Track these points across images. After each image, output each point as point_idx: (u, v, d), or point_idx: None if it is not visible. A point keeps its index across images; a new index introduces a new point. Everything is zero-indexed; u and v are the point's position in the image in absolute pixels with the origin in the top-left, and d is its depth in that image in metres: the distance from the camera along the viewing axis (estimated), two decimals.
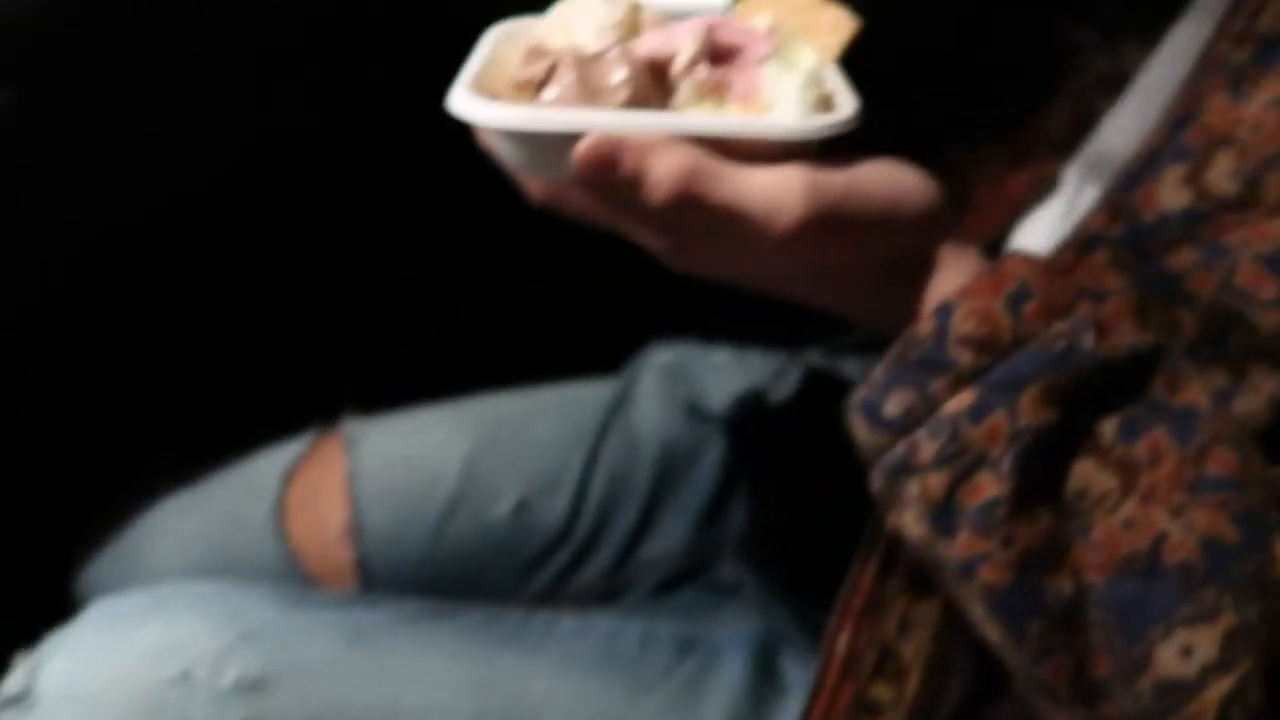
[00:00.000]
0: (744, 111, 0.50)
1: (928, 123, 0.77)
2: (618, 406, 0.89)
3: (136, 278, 0.87)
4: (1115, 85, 0.64)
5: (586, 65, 0.49)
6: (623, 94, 0.48)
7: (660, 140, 0.44)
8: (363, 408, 0.85)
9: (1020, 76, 0.72)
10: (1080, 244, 0.57)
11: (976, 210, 0.72)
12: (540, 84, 0.49)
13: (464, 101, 0.47)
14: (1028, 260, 0.47)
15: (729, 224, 0.45)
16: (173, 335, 0.92)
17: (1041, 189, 0.67)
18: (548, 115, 0.46)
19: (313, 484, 0.81)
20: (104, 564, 0.84)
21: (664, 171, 0.44)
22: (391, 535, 0.81)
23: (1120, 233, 0.57)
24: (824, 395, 0.57)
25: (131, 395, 0.90)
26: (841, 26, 0.57)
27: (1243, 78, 0.52)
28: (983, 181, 0.73)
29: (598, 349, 0.89)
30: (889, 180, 0.47)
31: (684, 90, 0.50)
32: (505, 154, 0.50)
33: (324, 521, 0.80)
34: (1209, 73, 0.54)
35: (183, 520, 0.83)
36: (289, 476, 0.81)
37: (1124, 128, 0.63)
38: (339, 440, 0.83)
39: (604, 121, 0.45)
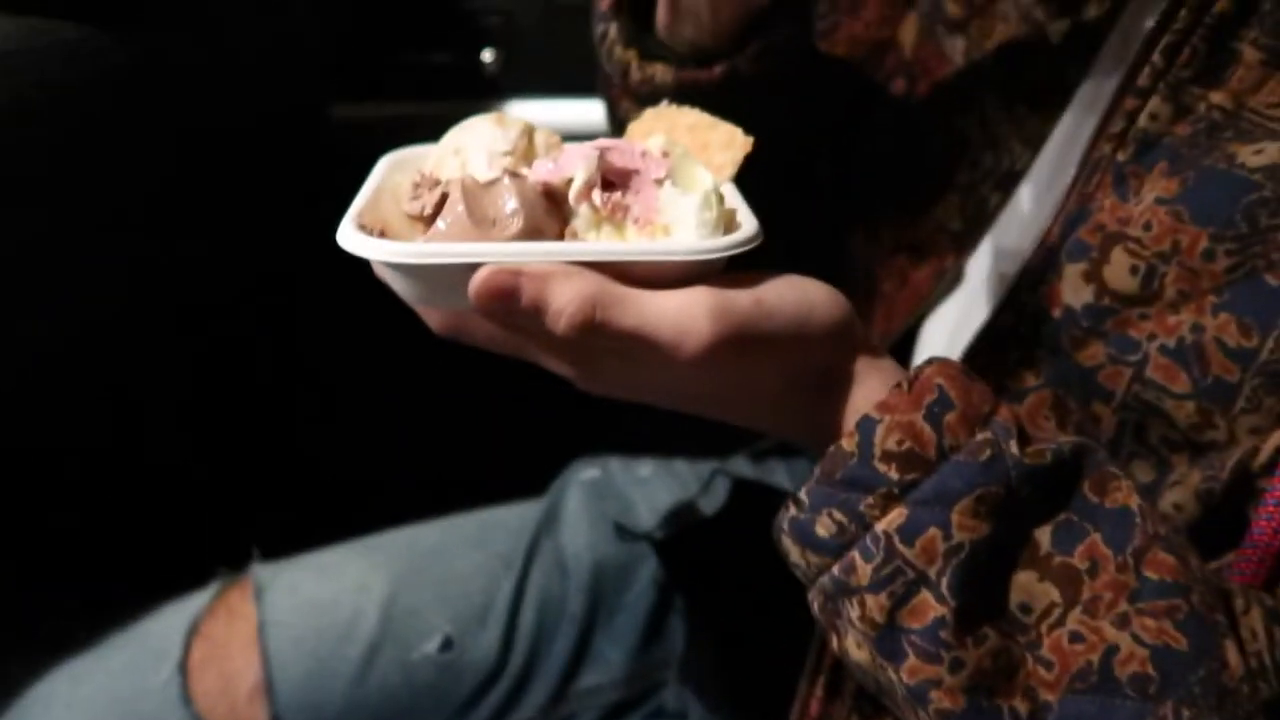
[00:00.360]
0: (643, 235, 0.48)
1: (829, 220, 0.78)
2: (544, 529, 0.86)
3: (22, 427, 0.82)
4: (1005, 180, 0.65)
5: (477, 194, 0.47)
6: (516, 223, 0.46)
7: (559, 268, 0.43)
8: (271, 550, 0.79)
9: (913, 172, 0.73)
10: (990, 342, 0.57)
11: (884, 306, 0.72)
12: (431, 216, 0.48)
13: (352, 237, 0.45)
14: (944, 368, 0.46)
15: (636, 349, 0.44)
16: (63, 480, 0.86)
17: (944, 282, 0.68)
18: (438, 249, 0.45)
19: (219, 639, 0.76)
20: None
21: (565, 300, 0.43)
22: (308, 688, 0.75)
23: (1028, 330, 0.57)
24: (755, 504, 0.55)
25: (18, 550, 0.84)
26: (735, 143, 0.56)
27: (1127, 176, 0.53)
28: (887, 277, 0.74)
29: (517, 470, 0.86)
30: (796, 295, 0.47)
31: (580, 216, 0.48)
32: (400, 289, 0.48)
33: (233, 680, 0.74)
34: (1095, 171, 0.55)
35: (77, 688, 0.76)
36: (193, 632, 0.75)
37: (1019, 223, 0.64)
38: (246, 588, 0.78)
39: (497, 253, 0.44)
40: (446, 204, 0.47)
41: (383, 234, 0.51)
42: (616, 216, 0.48)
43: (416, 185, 0.48)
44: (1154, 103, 0.52)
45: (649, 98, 0.65)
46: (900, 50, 0.75)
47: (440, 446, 0.96)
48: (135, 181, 0.71)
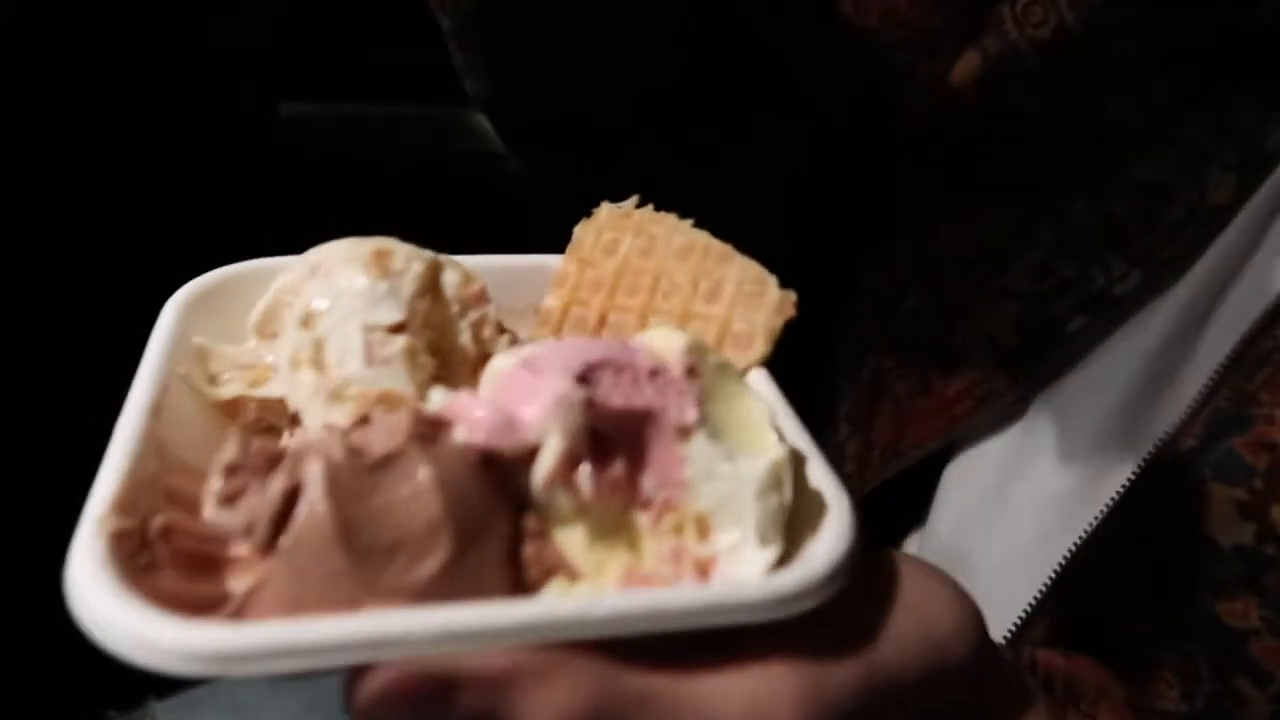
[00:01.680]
0: (663, 533, 0.27)
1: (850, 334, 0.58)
2: None
3: None
4: (1096, 304, 0.47)
5: (354, 488, 0.25)
6: (437, 553, 0.24)
7: (528, 657, 0.23)
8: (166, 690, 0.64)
9: (950, 261, 0.53)
10: (1097, 554, 0.41)
11: (893, 409, 0.53)
12: (269, 533, 0.25)
13: (99, 596, 0.23)
14: None
15: None
16: None
17: (989, 404, 0.49)
18: (281, 636, 0.22)
19: None
20: None
21: (553, 713, 0.23)
22: None
23: (1149, 552, 0.41)
24: None
25: None
26: (769, 303, 0.36)
27: None
28: (899, 374, 0.55)
29: None
30: (919, 634, 0.29)
31: (555, 510, 0.27)
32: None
33: None
34: (1262, 364, 0.38)
35: None
36: None
37: (1125, 372, 0.46)
38: None
39: (410, 638, 0.22)
40: (297, 510, 0.24)
41: (171, 497, 0.28)
42: (617, 504, 0.27)
43: (230, 469, 0.25)
44: None
45: None
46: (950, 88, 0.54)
47: None
48: (78, 178, 0.68)
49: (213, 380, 0.34)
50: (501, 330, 0.35)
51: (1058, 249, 0.48)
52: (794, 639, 0.26)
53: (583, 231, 0.41)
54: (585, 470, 0.26)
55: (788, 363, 0.35)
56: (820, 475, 0.29)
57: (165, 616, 0.23)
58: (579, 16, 0.46)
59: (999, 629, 0.44)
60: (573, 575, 0.27)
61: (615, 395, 0.27)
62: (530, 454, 0.26)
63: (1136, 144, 0.46)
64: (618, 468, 0.27)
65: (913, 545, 0.53)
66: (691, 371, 0.29)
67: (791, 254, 0.36)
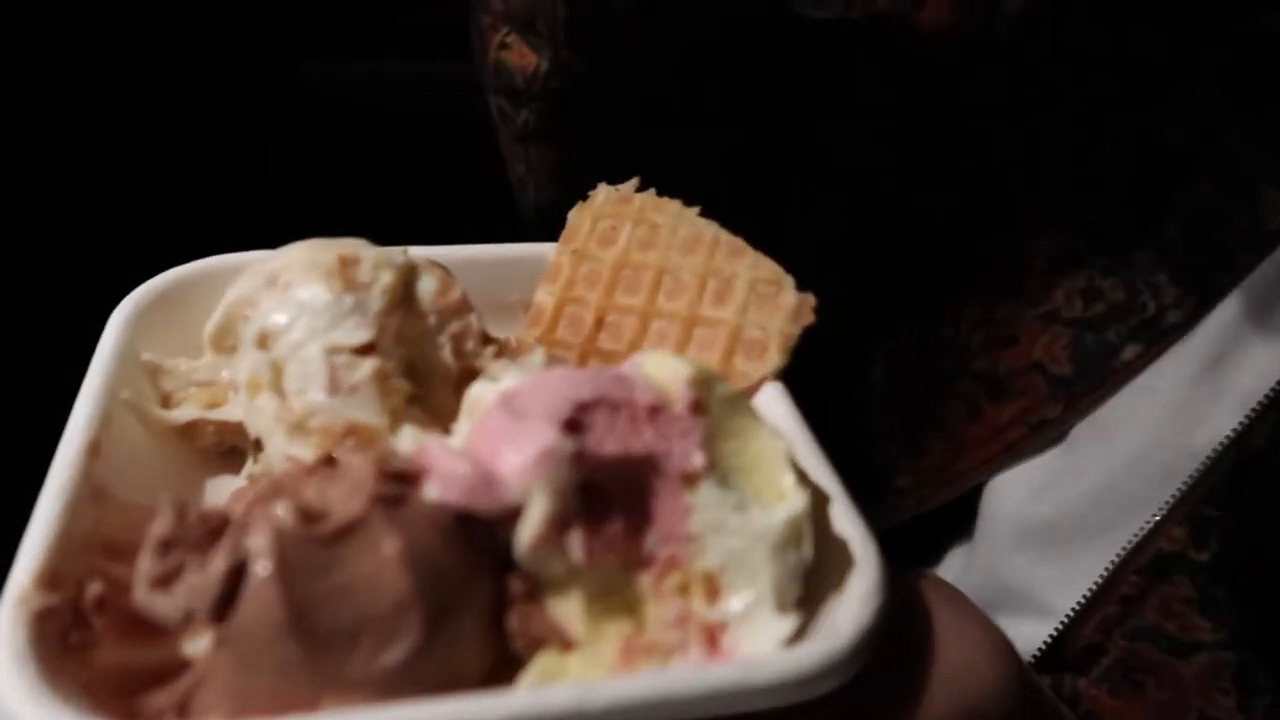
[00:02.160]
0: (663, 597, 0.24)
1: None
2: None
3: None
4: (1149, 331, 0.43)
5: (311, 565, 0.21)
6: (405, 638, 0.21)
7: None
8: None
9: (987, 277, 0.49)
10: (1151, 566, 0.38)
11: (968, 447, 0.49)
12: (212, 617, 0.21)
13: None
14: None
15: None
16: None
17: (1043, 432, 0.46)
18: None
19: None
20: None
21: None
22: None
23: (1210, 559, 0.38)
24: None
25: None
26: (786, 306, 0.32)
27: None
28: (950, 398, 0.51)
29: None
30: (949, 701, 0.25)
31: (547, 570, 0.23)
32: None
33: None
34: None
35: None
36: None
37: (1171, 398, 0.42)
38: None
39: None
40: (243, 591, 0.21)
41: (110, 550, 0.25)
42: (614, 564, 0.24)
43: (164, 544, 0.21)
44: None
45: None
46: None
47: None
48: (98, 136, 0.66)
49: (166, 400, 0.31)
50: (487, 340, 0.31)
51: (1103, 272, 0.44)
52: (813, 718, 0.23)
53: (578, 218, 0.37)
54: (576, 534, 0.23)
55: (813, 371, 0.32)
56: (845, 519, 0.26)
57: None
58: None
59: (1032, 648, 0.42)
60: (565, 644, 0.24)
61: (610, 440, 0.24)
62: (513, 514, 0.23)
63: (1180, 163, 0.42)
64: (615, 524, 0.24)
65: (954, 565, 0.50)
66: (697, 407, 0.25)
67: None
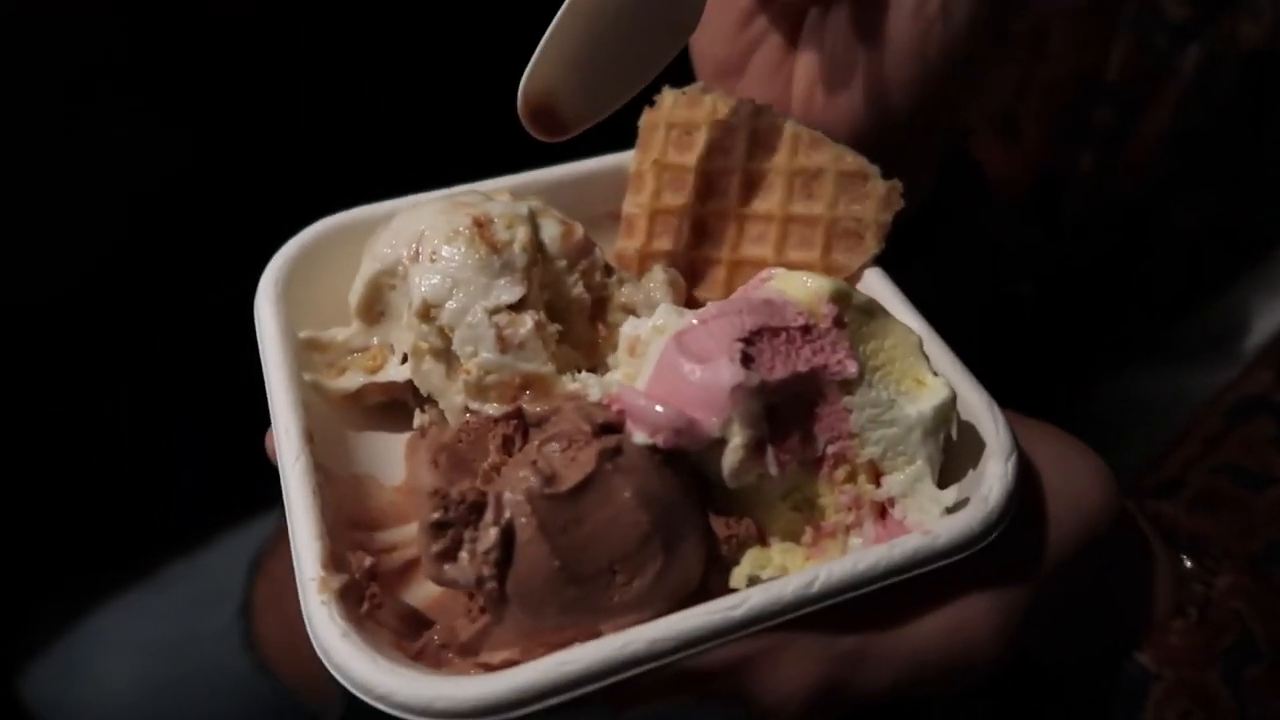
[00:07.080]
0: (836, 483, 0.28)
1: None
2: None
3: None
4: None
5: (562, 514, 0.25)
6: (657, 562, 0.25)
7: (757, 645, 0.26)
8: None
9: None
10: (1234, 407, 0.42)
11: None
12: (495, 576, 0.25)
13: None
14: (1239, 583, 0.34)
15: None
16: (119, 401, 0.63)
17: None
18: (542, 671, 0.24)
19: (286, 577, 0.60)
20: (48, 674, 0.61)
21: (783, 696, 0.27)
22: None
23: None
24: None
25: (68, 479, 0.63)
26: (875, 194, 0.34)
27: None
28: None
29: None
30: (1074, 520, 0.31)
31: (744, 486, 0.27)
32: None
33: (300, 624, 0.60)
34: None
35: (132, 627, 0.59)
36: (258, 566, 0.58)
37: None
38: None
39: (664, 648, 0.24)
40: (516, 555, 0.25)
41: (354, 521, 0.29)
42: (795, 468, 0.28)
43: (437, 526, 0.25)
44: None
45: None
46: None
47: None
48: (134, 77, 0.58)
49: (329, 368, 0.34)
50: (609, 271, 0.34)
51: None
52: (975, 564, 0.28)
53: (650, 125, 0.38)
54: (770, 451, 0.27)
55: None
56: (972, 394, 0.30)
57: (432, 676, 0.24)
58: None
59: None
60: (765, 542, 0.28)
61: (778, 365, 0.27)
62: (713, 444, 0.27)
63: None
64: (793, 435, 0.28)
65: None
66: (839, 320, 0.29)
67: None
